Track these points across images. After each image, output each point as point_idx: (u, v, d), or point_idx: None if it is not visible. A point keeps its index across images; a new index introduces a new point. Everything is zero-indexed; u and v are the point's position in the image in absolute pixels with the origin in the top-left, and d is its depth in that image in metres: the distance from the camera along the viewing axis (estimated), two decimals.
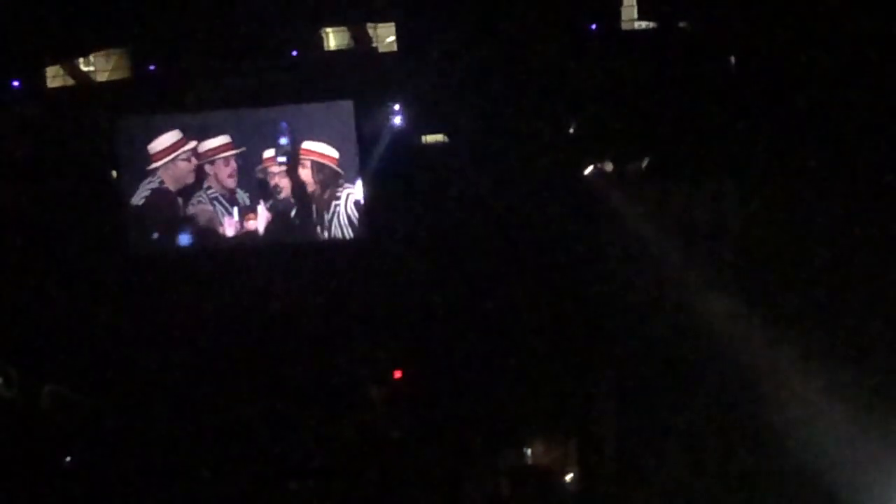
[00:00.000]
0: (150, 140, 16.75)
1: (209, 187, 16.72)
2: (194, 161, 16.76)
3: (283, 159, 16.62)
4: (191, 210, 16.79)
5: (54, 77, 17.34)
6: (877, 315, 13.78)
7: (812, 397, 13.31)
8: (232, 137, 16.68)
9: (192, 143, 16.74)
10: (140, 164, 16.82)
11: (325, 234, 16.75)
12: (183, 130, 16.73)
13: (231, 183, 16.73)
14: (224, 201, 16.73)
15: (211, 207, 16.73)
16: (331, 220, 16.66)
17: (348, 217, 16.62)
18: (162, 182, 16.78)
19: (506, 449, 15.38)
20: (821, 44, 13.93)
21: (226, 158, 16.66)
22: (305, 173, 16.65)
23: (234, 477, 15.17)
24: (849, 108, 13.98)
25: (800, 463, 12.94)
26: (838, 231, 14.20)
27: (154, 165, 16.76)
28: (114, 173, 17.12)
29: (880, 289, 13.94)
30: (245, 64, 16.61)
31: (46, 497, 14.93)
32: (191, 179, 16.81)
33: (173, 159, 16.72)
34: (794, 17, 13.99)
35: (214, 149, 16.65)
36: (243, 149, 16.69)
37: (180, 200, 16.79)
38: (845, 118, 14.02)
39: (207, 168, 16.73)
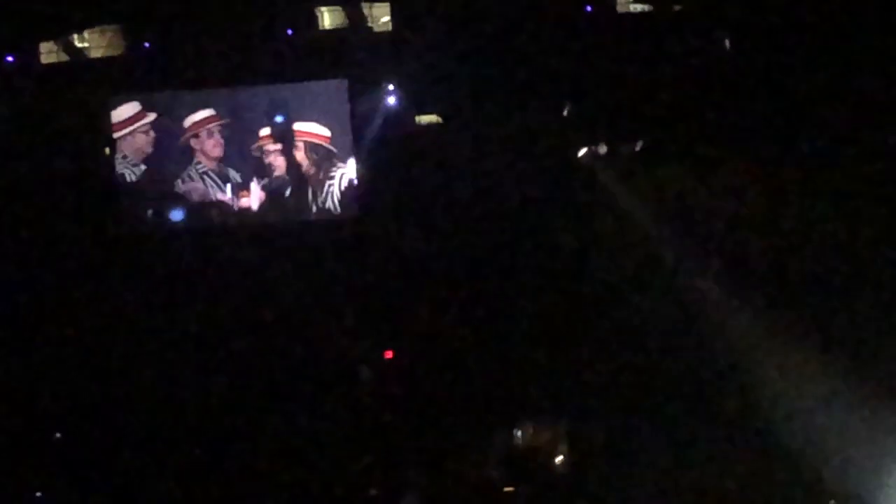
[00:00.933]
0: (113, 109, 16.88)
1: (198, 162, 16.72)
2: (152, 134, 16.76)
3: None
4: (182, 187, 16.79)
5: (48, 53, 17.30)
6: (874, 301, 13.78)
7: (805, 386, 13.32)
8: (217, 111, 16.68)
9: (151, 116, 16.75)
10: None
11: (319, 212, 16.74)
12: (151, 107, 16.78)
13: (217, 152, 16.73)
14: (215, 177, 16.74)
15: (202, 184, 16.74)
16: (324, 200, 16.65)
17: (342, 196, 16.61)
18: (125, 156, 16.81)
19: (496, 431, 15.37)
20: (816, 26, 13.89)
21: (209, 130, 16.65)
22: (300, 155, 16.65)
23: (225, 454, 15.22)
24: (845, 89, 13.95)
25: (786, 446, 12.97)
26: (834, 215, 14.19)
27: (115, 135, 16.82)
28: (107, 150, 17.07)
29: (878, 273, 13.94)
30: (240, 42, 16.54)
31: (37, 471, 15.07)
32: (149, 151, 16.83)
33: (132, 132, 16.74)
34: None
35: (198, 122, 16.64)
36: (227, 120, 16.68)
37: (172, 177, 16.81)
38: (841, 100, 13.99)
39: (193, 142, 16.72)
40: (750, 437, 13.49)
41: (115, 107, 16.76)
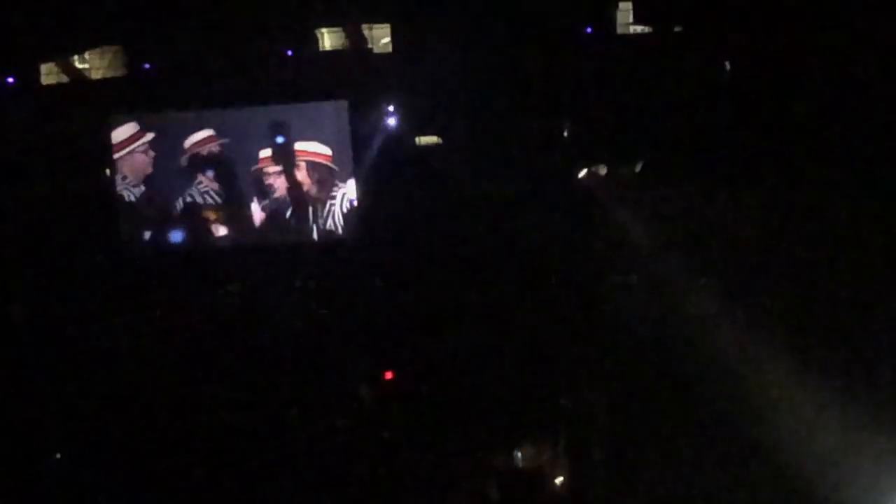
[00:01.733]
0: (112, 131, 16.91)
1: (199, 182, 16.75)
2: (152, 153, 16.80)
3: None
4: (182, 207, 16.79)
5: (48, 74, 17.33)
6: (874, 321, 13.77)
7: (808, 405, 13.27)
8: (216, 130, 16.73)
9: (150, 136, 16.78)
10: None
11: (319, 233, 16.76)
12: (148, 127, 16.82)
13: (221, 177, 16.72)
14: (216, 197, 16.75)
15: (202, 203, 16.75)
16: (325, 220, 16.68)
17: (343, 216, 16.64)
18: (125, 177, 16.83)
19: (495, 451, 15.32)
20: (814, 48, 13.95)
21: (209, 150, 16.67)
22: (301, 175, 16.68)
23: (224, 476, 15.14)
24: (843, 111, 14.00)
25: (792, 472, 12.90)
26: (835, 234, 14.21)
27: (115, 156, 16.86)
28: (107, 171, 17.09)
29: (878, 293, 13.94)
30: (240, 63, 16.59)
31: (36, 493, 14.96)
32: (149, 171, 16.86)
33: (131, 151, 16.77)
34: (787, 22, 14.00)
35: (198, 142, 16.67)
36: (227, 140, 16.71)
37: (172, 197, 16.83)
38: (839, 121, 14.04)
39: (195, 163, 16.72)
40: (753, 459, 13.43)
41: (113, 128, 16.77)
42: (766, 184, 14.91)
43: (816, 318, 13.94)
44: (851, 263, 13.89)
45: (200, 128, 16.64)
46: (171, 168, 16.79)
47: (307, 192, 16.70)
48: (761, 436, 13.25)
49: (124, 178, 16.84)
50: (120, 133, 16.74)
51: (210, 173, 16.73)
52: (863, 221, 13.86)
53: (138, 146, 16.71)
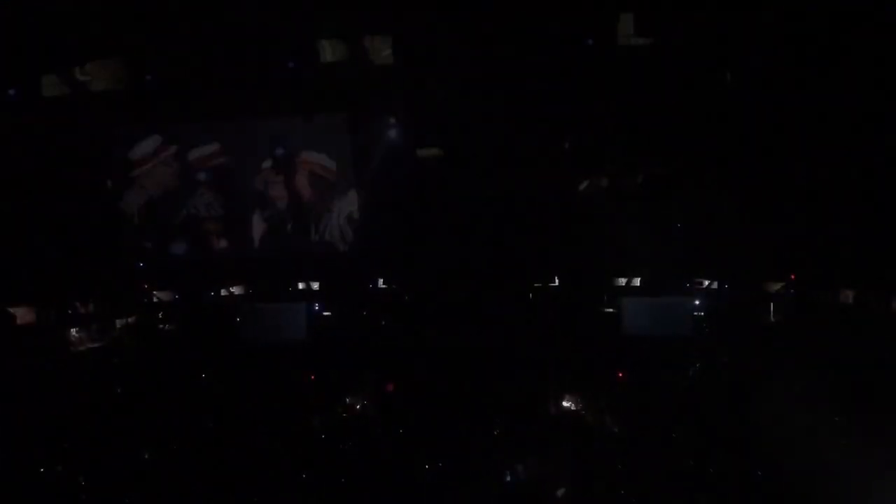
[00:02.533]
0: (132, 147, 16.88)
1: (202, 194, 16.76)
2: (175, 166, 16.78)
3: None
4: (184, 218, 16.80)
5: (50, 86, 17.30)
6: (878, 333, 13.81)
7: (814, 420, 13.31)
8: (222, 145, 16.71)
9: (173, 149, 16.78)
10: (124, 172, 16.94)
11: (320, 245, 16.76)
12: (173, 140, 16.82)
13: (223, 189, 16.72)
14: (219, 208, 16.77)
15: (206, 215, 16.77)
16: (324, 232, 16.68)
17: (342, 229, 16.63)
18: (144, 188, 16.83)
19: (499, 463, 15.35)
20: (815, 61, 13.96)
21: (216, 165, 16.69)
22: (302, 183, 16.67)
23: (229, 486, 15.16)
24: (845, 122, 14.03)
25: (800, 482, 12.93)
26: (838, 245, 14.25)
27: (136, 172, 16.86)
28: (109, 183, 17.09)
29: (882, 307, 13.97)
30: (242, 75, 16.55)
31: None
32: (173, 184, 16.85)
33: (155, 165, 16.77)
34: (789, 35, 14.01)
35: (205, 157, 16.67)
36: (230, 153, 16.72)
37: (174, 208, 16.84)
38: (842, 133, 14.07)
39: (199, 175, 16.71)
40: (757, 467, 13.48)
41: (133, 143, 16.76)
42: (767, 193, 14.94)
43: (818, 325, 13.99)
44: (857, 274, 13.93)
45: (204, 141, 16.65)
46: (182, 180, 16.83)
47: (308, 202, 16.71)
48: (767, 450, 13.30)
49: (142, 188, 16.86)
50: (144, 147, 16.75)
51: (213, 186, 16.73)
52: (869, 233, 13.92)
53: (164, 157, 16.76)
